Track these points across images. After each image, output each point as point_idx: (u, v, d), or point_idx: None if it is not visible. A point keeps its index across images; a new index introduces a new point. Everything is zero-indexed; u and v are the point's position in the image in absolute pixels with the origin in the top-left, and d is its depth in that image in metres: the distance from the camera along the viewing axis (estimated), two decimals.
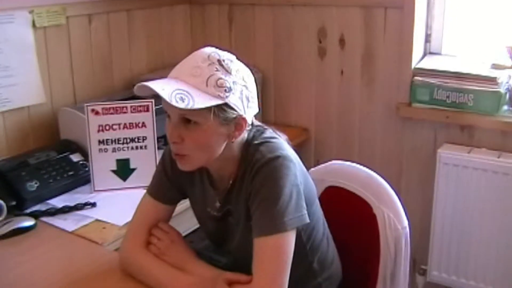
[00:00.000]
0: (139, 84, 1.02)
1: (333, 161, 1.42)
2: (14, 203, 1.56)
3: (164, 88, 0.99)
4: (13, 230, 1.45)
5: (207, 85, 1.02)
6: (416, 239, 2.06)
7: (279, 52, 2.30)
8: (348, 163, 1.39)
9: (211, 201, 1.20)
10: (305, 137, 2.30)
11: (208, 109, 1.02)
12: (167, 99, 0.98)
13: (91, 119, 1.68)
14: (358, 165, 1.37)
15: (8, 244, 1.39)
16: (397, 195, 1.30)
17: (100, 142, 1.69)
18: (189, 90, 1.00)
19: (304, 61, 2.25)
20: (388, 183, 1.31)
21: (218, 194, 1.18)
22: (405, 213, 1.28)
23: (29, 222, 1.48)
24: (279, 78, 2.34)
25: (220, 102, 1.03)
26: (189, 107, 0.98)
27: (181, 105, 0.98)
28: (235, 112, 1.05)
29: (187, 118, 1.03)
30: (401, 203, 1.29)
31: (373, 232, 1.27)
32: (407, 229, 1.27)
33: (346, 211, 1.35)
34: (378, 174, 1.33)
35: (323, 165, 1.39)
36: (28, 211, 1.56)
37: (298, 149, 1.17)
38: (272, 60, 2.33)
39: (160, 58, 2.34)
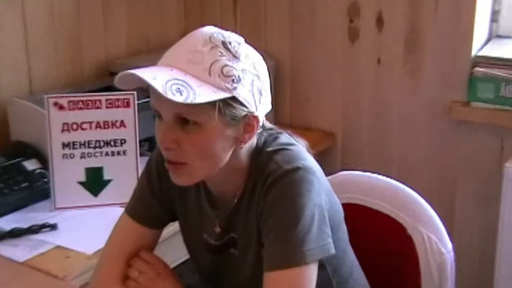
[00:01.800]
0: (123, 72, 1.01)
1: (344, 172, 1.44)
2: None
3: (156, 76, 0.98)
4: None
5: (210, 73, 1.01)
6: (474, 268, 2.05)
7: (298, 33, 2.29)
8: (364, 173, 1.41)
9: (208, 224, 1.19)
10: (329, 143, 2.30)
11: (212, 104, 1.01)
12: (161, 91, 0.96)
13: (53, 115, 1.66)
14: (379, 176, 1.39)
15: None
16: (439, 215, 1.32)
17: (64, 145, 1.68)
18: (188, 80, 1.00)
19: (329, 46, 2.24)
20: (430, 202, 1.33)
21: (218, 215, 1.17)
22: (454, 236, 1.33)
23: None
24: (296, 67, 2.33)
25: (227, 95, 1.02)
26: (188, 101, 0.97)
27: (178, 98, 0.97)
28: (245, 109, 1.05)
29: (185, 117, 1.03)
30: (446, 225, 1.32)
31: (409, 257, 1.30)
32: (452, 253, 1.30)
33: (372, 233, 1.36)
34: (420, 190, 1.35)
35: (329, 177, 1.39)
36: None
37: (320, 158, 1.17)
38: (288, 44, 2.32)
39: (144, 39, 2.33)
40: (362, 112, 2.24)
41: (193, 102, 0.98)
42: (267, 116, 1.15)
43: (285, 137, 1.16)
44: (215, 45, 1.03)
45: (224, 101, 1.02)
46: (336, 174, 1.42)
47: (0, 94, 1.90)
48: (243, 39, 1.08)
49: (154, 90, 0.97)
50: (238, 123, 1.06)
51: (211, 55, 1.02)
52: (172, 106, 0.99)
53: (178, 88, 0.98)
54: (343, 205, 1.25)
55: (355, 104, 2.24)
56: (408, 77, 2.13)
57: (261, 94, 1.07)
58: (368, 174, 1.41)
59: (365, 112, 2.23)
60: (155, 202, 1.22)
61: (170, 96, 0.96)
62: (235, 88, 1.03)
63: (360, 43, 2.18)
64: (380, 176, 1.39)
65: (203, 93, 0.99)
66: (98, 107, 1.68)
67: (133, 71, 0.99)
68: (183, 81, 0.99)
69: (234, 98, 1.03)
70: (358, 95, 2.23)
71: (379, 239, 1.36)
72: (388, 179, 1.38)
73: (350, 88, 2.24)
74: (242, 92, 1.04)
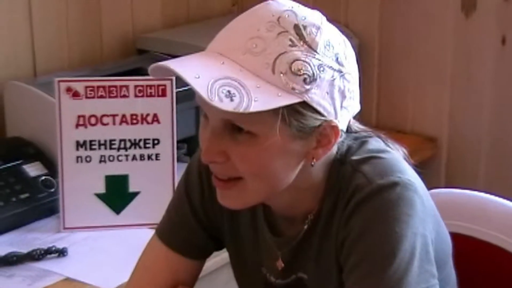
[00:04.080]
0: (156, 64, 1.03)
1: (449, 190, 1.44)
2: None
3: (200, 74, 1.00)
4: None
5: (274, 70, 1.02)
6: None
7: (390, 3, 2.29)
8: (478, 193, 1.40)
9: (269, 256, 1.20)
10: (430, 152, 2.29)
11: (274, 112, 1.01)
12: (205, 96, 0.97)
13: (65, 105, 1.68)
14: (498, 198, 1.37)
15: None
16: None
17: (79, 145, 1.70)
18: (243, 79, 1.00)
19: (435, 20, 2.22)
20: None
21: (282, 245, 1.17)
22: None
23: None
24: (387, 48, 2.32)
25: (295, 100, 1.02)
26: (241, 109, 0.98)
27: (228, 105, 0.98)
28: (320, 117, 1.05)
29: (237, 124, 1.04)
30: None
31: None
32: None
33: (484, 274, 1.35)
34: None
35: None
36: None
37: (418, 170, 1.17)
38: (377, 17, 2.32)
39: (183, 7, 2.36)
40: (479, 111, 2.22)
41: (247, 110, 0.98)
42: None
43: (376, 142, 1.16)
44: (284, 30, 1.03)
45: (290, 107, 1.02)
46: (438, 192, 1.39)
47: None
48: (324, 19, 1.08)
49: (196, 93, 0.98)
50: (308, 134, 1.06)
51: (277, 44, 1.02)
52: (220, 111, 0.99)
53: (229, 92, 0.98)
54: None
55: (469, 99, 2.23)
56: None
57: (344, 97, 1.07)
58: (483, 194, 1.39)
59: (483, 110, 2.21)
60: (197, 227, 1.24)
61: (216, 103, 0.97)
62: (307, 91, 1.03)
63: (478, 16, 2.16)
64: (500, 199, 1.36)
65: (262, 98, 0.99)
66: (124, 96, 1.70)
67: (169, 64, 1.01)
68: (237, 80, 1.00)
69: (305, 104, 1.03)
70: (474, 87, 2.21)
71: (494, 283, 1.34)
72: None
73: (462, 77, 2.23)
74: (317, 96, 1.04)
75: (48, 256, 1.59)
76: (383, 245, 1.04)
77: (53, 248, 1.60)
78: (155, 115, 1.72)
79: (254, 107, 0.98)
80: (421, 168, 1.21)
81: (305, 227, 1.14)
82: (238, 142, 1.04)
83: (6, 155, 1.78)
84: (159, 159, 1.73)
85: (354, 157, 1.12)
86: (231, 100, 0.98)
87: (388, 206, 1.05)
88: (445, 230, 1.18)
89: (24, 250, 1.59)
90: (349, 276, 1.07)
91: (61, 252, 1.60)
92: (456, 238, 1.29)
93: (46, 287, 1.50)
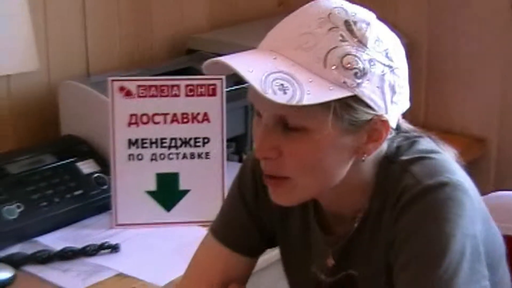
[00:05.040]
0: (210, 60, 1.04)
1: (500, 193, 1.43)
2: None
3: (253, 68, 1.01)
4: None
5: (325, 64, 1.03)
6: None
7: (439, 3, 2.28)
8: None
9: (318, 255, 1.21)
10: (479, 152, 2.29)
11: (326, 106, 1.02)
12: (258, 88, 0.99)
13: (118, 104, 1.71)
14: None
15: None
16: None
17: (131, 143, 1.73)
18: (295, 73, 1.02)
19: (483, 19, 2.21)
20: None
21: (332, 243, 1.18)
22: None
23: (3, 274, 1.51)
24: (436, 48, 2.31)
25: (347, 93, 1.03)
26: (294, 102, 0.99)
27: (281, 98, 0.99)
28: (371, 111, 1.06)
29: (289, 120, 1.05)
30: None
31: None
32: None
33: None
34: None
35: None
36: (2, 254, 1.59)
37: (467, 172, 1.16)
38: (426, 15, 2.31)
39: (231, 8, 2.38)
40: None
41: (300, 103, 0.99)
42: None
43: (426, 143, 1.16)
44: (334, 26, 1.04)
45: (342, 101, 1.03)
46: (488, 196, 1.39)
47: (50, 74, 1.99)
48: (373, 16, 1.09)
49: (250, 85, 0.99)
50: (359, 129, 1.06)
51: (328, 39, 1.03)
52: (273, 105, 1.00)
53: (282, 85, 0.99)
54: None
55: None
56: None
57: (394, 92, 1.08)
58: None
59: None
60: (250, 224, 1.25)
61: (270, 95, 0.98)
62: (358, 85, 1.03)
63: None
64: None
65: (314, 91, 1.00)
66: (175, 95, 1.72)
67: (223, 59, 1.02)
68: (289, 74, 1.01)
69: (356, 98, 1.04)
70: None
71: None
72: None
73: None
74: (368, 90, 1.04)
75: (101, 251, 1.62)
76: (432, 245, 1.04)
77: (106, 244, 1.63)
78: (205, 114, 1.74)
79: (307, 100, 1.00)
80: (469, 169, 1.21)
81: (355, 225, 1.15)
82: (290, 137, 1.05)
83: (61, 153, 1.81)
84: (209, 158, 1.75)
85: (404, 157, 1.12)
86: (284, 93, 0.99)
87: (437, 206, 1.05)
88: (497, 231, 1.18)
89: (78, 245, 1.62)
90: (399, 276, 1.07)
91: (114, 248, 1.63)
92: (508, 240, 1.28)
93: (100, 282, 1.52)
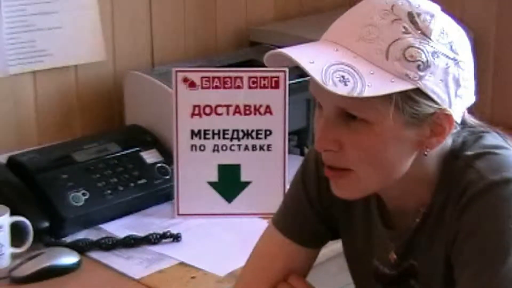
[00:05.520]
0: (272, 52, 1.05)
1: None
2: (46, 224, 1.63)
3: (314, 60, 1.01)
4: (43, 269, 1.51)
5: (387, 56, 1.02)
6: None
7: None
8: None
9: (380, 248, 1.21)
10: None
11: (387, 98, 1.02)
12: (319, 80, 0.99)
13: (182, 94, 1.72)
14: None
15: None
16: None
17: (194, 134, 1.75)
18: (356, 64, 1.01)
19: None
20: None
21: (395, 238, 1.18)
22: None
23: (69, 259, 1.55)
24: (505, 42, 2.28)
25: (409, 86, 1.02)
26: (355, 94, 0.99)
27: (341, 90, 0.99)
28: (434, 105, 1.05)
29: (350, 112, 1.05)
30: None
31: None
32: None
33: None
34: None
35: None
36: (68, 239, 1.63)
37: None
38: (495, 9, 2.28)
39: (297, 0, 2.38)
40: None
41: (361, 95, 0.99)
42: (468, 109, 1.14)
43: (493, 138, 1.14)
44: (398, 18, 1.03)
45: (404, 94, 1.02)
46: None
47: (116, 65, 2.02)
48: (438, 9, 1.07)
49: (311, 77, 0.99)
50: (422, 122, 1.05)
51: (391, 31, 1.03)
52: (333, 97, 1.00)
53: (343, 76, 0.99)
54: None
55: None
56: None
57: (458, 85, 1.06)
58: None
59: None
60: (312, 215, 1.25)
61: (330, 87, 0.98)
62: (421, 77, 1.02)
63: None
64: None
65: (375, 84, 1.00)
66: (238, 87, 1.73)
67: (284, 51, 1.02)
68: (350, 65, 1.01)
69: (418, 91, 1.03)
70: None
71: None
72: None
73: None
74: (431, 83, 1.03)
75: (164, 240, 1.65)
76: (495, 242, 1.03)
77: (168, 233, 1.65)
78: (267, 106, 1.74)
79: (368, 92, 0.99)
80: None
81: (418, 220, 1.14)
82: (351, 130, 1.05)
83: (125, 142, 1.84)
84: (270, 150, 1.76)
85: (468, 152, 1.11)
86: (345, 85, 0.99)
87: (500, 203, 1.04)
88: None
89: (141, 233, 1.65)
90: (461, 273, 1.06)
91: (176, 238, 1.65)
92: None
93: (162, 270, 1.55)
